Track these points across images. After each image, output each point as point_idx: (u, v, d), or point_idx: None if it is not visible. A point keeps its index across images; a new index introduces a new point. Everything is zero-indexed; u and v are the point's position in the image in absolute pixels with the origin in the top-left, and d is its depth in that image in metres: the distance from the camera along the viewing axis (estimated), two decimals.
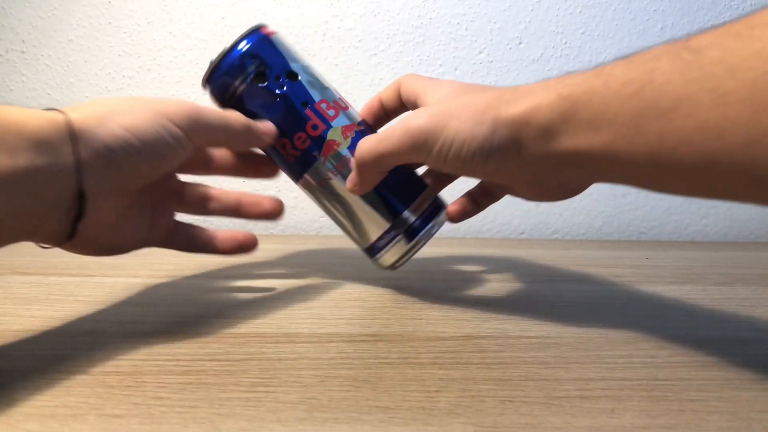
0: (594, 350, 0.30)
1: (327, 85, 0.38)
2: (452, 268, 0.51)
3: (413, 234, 0.37)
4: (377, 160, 0.34)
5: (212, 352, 0.29)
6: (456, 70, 0.73)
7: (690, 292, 0.44)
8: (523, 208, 0.74)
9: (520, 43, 0.74)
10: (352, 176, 0.36)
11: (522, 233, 0.75)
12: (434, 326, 0.34)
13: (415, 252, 0.38)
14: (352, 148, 0.36)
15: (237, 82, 0.36)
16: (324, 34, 0.72)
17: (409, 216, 0.37)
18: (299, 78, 0.36)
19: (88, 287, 0.41)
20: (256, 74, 0.36)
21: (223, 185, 0.39)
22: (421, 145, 0.31)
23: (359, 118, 0.39)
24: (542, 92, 0.28)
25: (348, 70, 0.73)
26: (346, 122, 0.37)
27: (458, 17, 0.73)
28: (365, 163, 0.34)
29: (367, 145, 0.34)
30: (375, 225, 0.37)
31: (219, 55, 0.36)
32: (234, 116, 0.34)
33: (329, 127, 0.36)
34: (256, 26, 0.37)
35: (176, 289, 0.41)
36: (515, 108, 0.29)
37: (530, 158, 0.29)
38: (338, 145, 0.36)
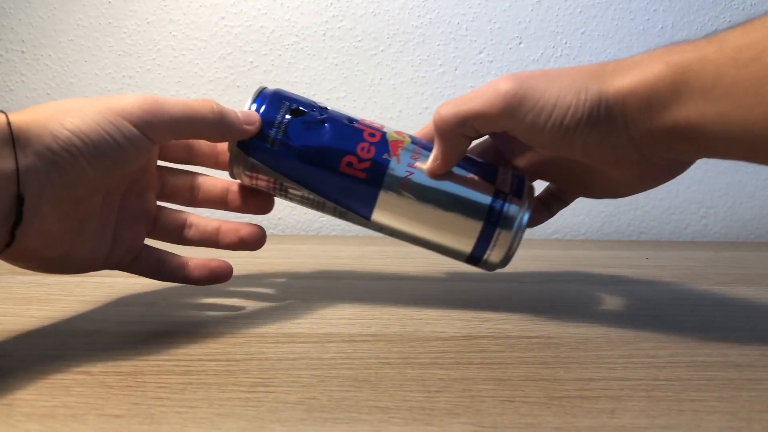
0: (594, 350, 0.30)
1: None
2: (452, 268, 0.51)
3: (510, 222, 0.33)
4: (461, 121, 0.30)
5: (212, 352, 0.29)
6: (456, 70, 0.73)
7: (690, 292, 0.44)
8: None
9: (520, 43, 0.74)
10: (434, 152, 0.33)
11: None
12: (434, 326, 0.34)
13: (520, 239, 0.34)
14: (416, 141, 0.34)
15: (276, 127, 0.33)
16: (324, 34, 0.72)
17: (499, 204, 0.33)
18: (329, 109, 0.35)
19: (88, 287, 0.41)
20: (292, 112, 0.33)
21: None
22: (515, 107, 0.28)
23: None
24: (648, 62, 0.27)
25: (348, 70, 0.73)
26: (393, 131, 0.35)
27: (458, 17, 0.73)
28: (447, 124, 0.31)
29: (449, 106, 0.31)
30: (468, 228, 0.34)
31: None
32: (202, 103, 0.30)
33: (384, 132, 0.34)
34: (259, 89, 0.34)
35: (176, 290, 0.41)
36: (621, 79, 0.27)
37: (637, 132, 0.28)
38: (401, 143, 0.34)
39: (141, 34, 0.71)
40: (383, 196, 0.33)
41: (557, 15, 0.73)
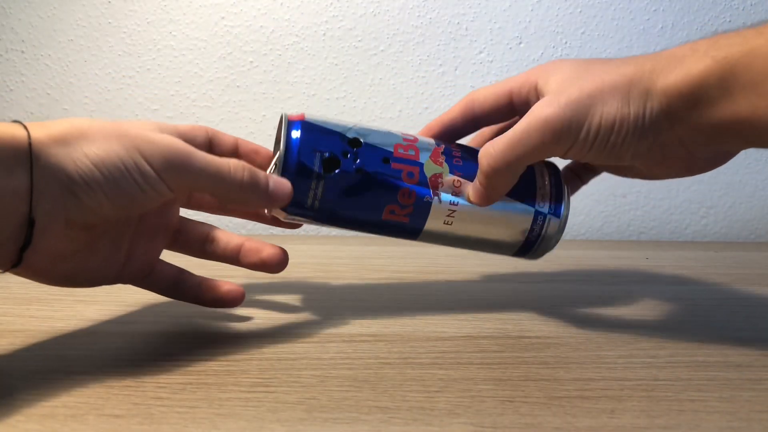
0: (594, 350, 0.30)
1: (385, 130, 0.34)
2: (452, 268, 0.51)
3: (558, 210, 0.35)
4: (515, 162, 0.30)
5: (212, 352, 0.29)
6: (456, 70, 0.73)
7: (690, 292, 0.44)
8: None
9: (520, 43, 0.74)
10: (477, 190, 0.32)
11: None
12: (434, 326, 0.34)
13: (566, 223, 0.36)
14: (454, 167, 0.33)
15: (312, 187, 0.31)
16: (324, 34, 0.72)
17: (544, 199, 0.34)
18: (362, 141, 0.32)
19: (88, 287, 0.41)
20: (325, 164, 0.31)
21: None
22: (564, 135, 0.28)
23: (432, 140, 0.35)
24: (693, 58, 0.26)
25: (348, 70, 0.73)
26: (429, 151, 0.33)
27: (458, 17, 0.73)
28: (499, 169, 0.30)
29: (500, 149, 0.30)
30: (519, 223, 0.34)
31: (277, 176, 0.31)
32: (235, 167, 0.29)
33: (421, 165, 0.33)
34: (285, 121, 0.32)
35: None
36: (664, 79, 0.27)
37: (685, 131, 0.27)
38: (440, 175, 0.33)
39: (141, 33, 0.71)
40: (428, 229, 0.34)
41: (557, 15, 0.73)
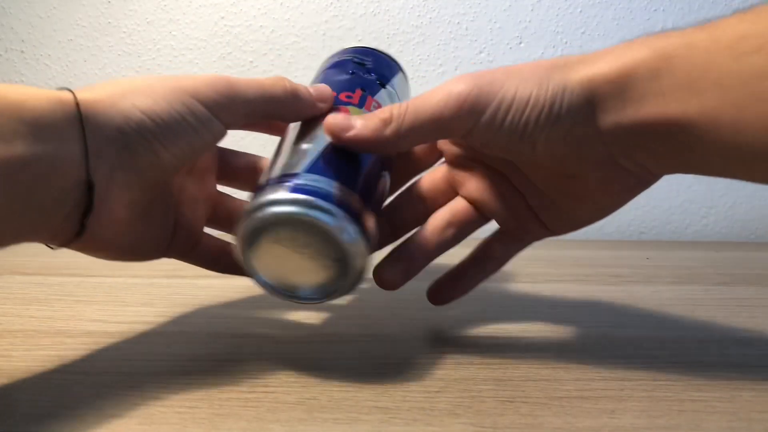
0: (594, 350, 0.30)
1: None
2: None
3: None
4: (405, 133, 0.27)
5: (212, 352, 0.29)
6: (456, 70, 0.73)
7: (691, 292, 0.44)
8: None
9: (520, 43, 0.74)
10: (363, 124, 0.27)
11: None
12: (434, 326, 0.34)
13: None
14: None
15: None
16: (324, 34, 0.72)
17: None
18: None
19: (87, 287, 0.41)
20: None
21: None
22: (468, 109, 0.25)
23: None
24: (628, 48, 0.24)
25: None
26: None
27: (458, 17, 0.73)
28: (387, 138, 0.27)
29: (389, 112, 0.27)
30: None
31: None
32: (275, 82, 0.29)
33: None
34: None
35: (176, 289, 0.41)
36: (591, 67, 0.25)
37: (607, 124, 0.24)
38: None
39: (141, 33, 0.71)
40: None
41: (557, 15, 0.73)
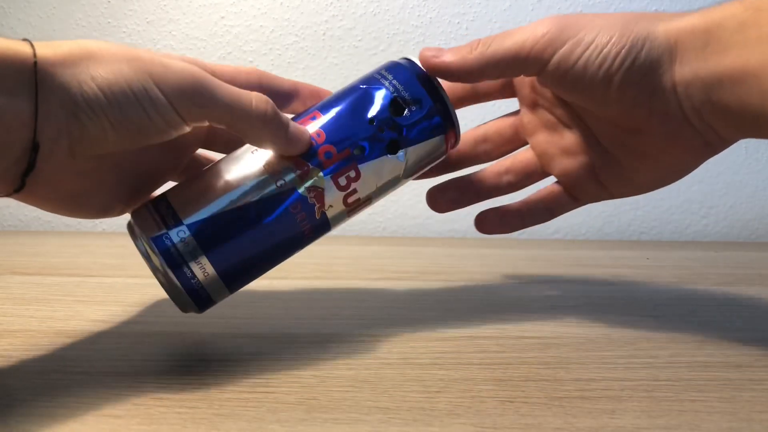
0: (594, 350, 0.30)
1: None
2: (453, 268, 0.51)
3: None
4: (493, 64, 0.27)
5: (212, 352, 0.29)
6: None
7: (691, 292, 0.44)
8: None
9: None
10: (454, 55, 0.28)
11: (522, 233, 0.75)
12: (434, 326, 0.34)
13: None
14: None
15: None
16: (324, 34, 0.72)
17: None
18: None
19: (87, 287, 0.41)
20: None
21: None
22: (546, 41, 0.26)
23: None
24: (719, 5, 0.24)
25: (348, 70, 0.73)
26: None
27: (458, 17, 0.73)
28: (471, 67, 0.28)
29: (477, 47, 0.28)
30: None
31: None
32: (257, 99, 0.26)
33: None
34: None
35: None
36: (679, 20, 0.25)
37: (684, 77, 0.25)
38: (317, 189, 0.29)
39: (140, 33, 0.71)
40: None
41: None
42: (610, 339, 0.32)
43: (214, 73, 0.28)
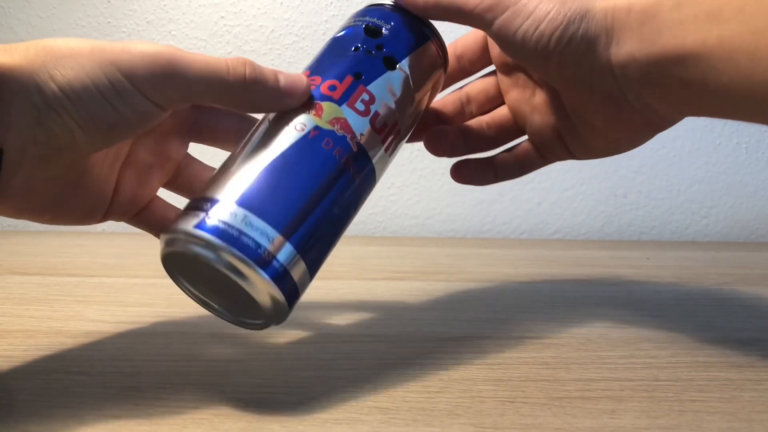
0: (595, 351, 0.30)
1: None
2: (452, 268, 0.51)
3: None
4: (438, 6, 0.28)
5: (212, 352, 0.29)
6: None
7: (691, 292, 0.44)
8: (524, 208, 0.74)
9: None
10: None
11: (522, 233, 0.74)
12: (434, 326, 0.34)
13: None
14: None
15: None
16: (324, 34, 0.72)
17: None
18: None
19: (87, 287, 0.41)
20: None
21: None
22: (486, 7, 0.26)
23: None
24: None
25: None
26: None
27: None
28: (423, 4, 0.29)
29: None
30: None
31: None
32: (234, 65, 0.24)
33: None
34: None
35: (175, 289, 0.40)
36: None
37: (620, 58, 0.25)
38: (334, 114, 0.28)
39: (140, 33, 0.71)
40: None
41: None
42: (610, 339, 0.32)
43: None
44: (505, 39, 0.27)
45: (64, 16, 0.71)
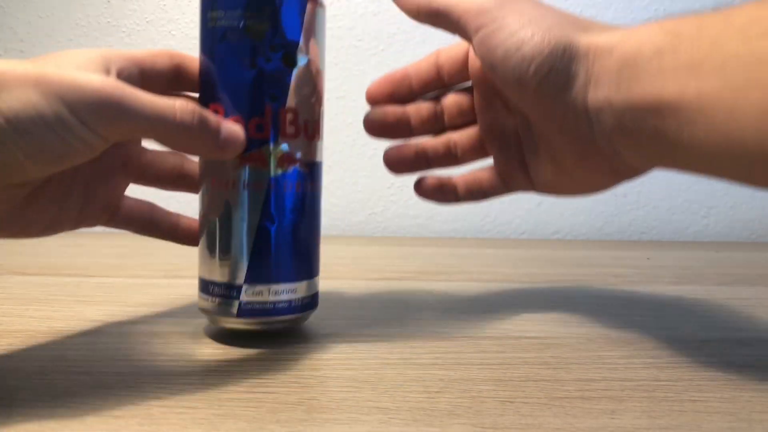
0: (595, 351, 0.30)
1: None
2: (453, 268, 0.51)
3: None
4: (430, 11, 0.28)
5: (212, 352, 0.29)
6: None
7: (691, 292, 0.44)
8: (524, 207, 0.74)
9: None
10: None
11: (523, 233, 0.74)
12: (434, 326, 0.34)
13: None
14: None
15: None
16: None
17: None
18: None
19: (87, 287, 0.41)
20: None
21: None
22: (471, 17, 0.26)
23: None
24: (642, 26, 0.23)
25: (348, 69, 0.73)
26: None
27: None
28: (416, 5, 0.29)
29: None
30: None
31: None
32: (180, 108, 0.25)
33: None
34: None
35: (176, 289, 0.41)
36: (599, 35, 0.24)
37: (596, 102, 0.24)
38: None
39: (140, 33, 0.71)
40: None
41: None
42: (611, 339, 0.32)
43: (133, 60, 0.27)
44: (486, 53, 0.26)
45: (64, 16, 0.71)
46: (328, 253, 0.57)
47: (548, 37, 0.24)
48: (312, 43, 0.29)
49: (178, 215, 0.33)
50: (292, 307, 0.29)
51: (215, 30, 0.28)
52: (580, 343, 0.31)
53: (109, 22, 0.71)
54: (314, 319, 0.35)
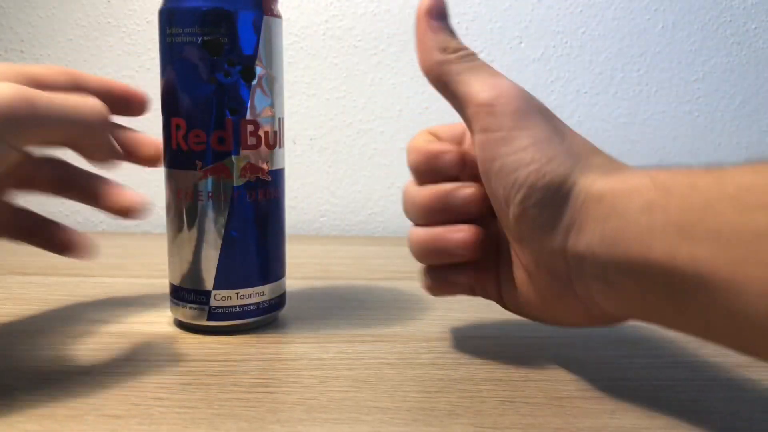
0: (595, 351, 0.30)
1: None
2: None
3: None
4: (444, 84, 0.26)
5: (212, 352, 0.29)
6: None
7: None
8: None
9: (520, 43, 0.74)
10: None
11: None
12: (434, 326, 0.34)
13: None
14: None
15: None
16: (324, 34, 0.72)
17: None
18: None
19: (87, 287, 0.41)
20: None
21: None
22: (476, 116, 0.25)
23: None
24: (634, 172, 0.22)
25: (348, 69, 0.73)
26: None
27: (458, 17, 0.73)
28: (435, 70, 0.27)
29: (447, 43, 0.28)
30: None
31: None
32: (92, 105, 0.24)
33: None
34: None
35: None
36: (595, 180, 0.22)
37: (578, 248, 0.22)
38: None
39: (141, 33, 0.71)
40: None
41: (557, 15, 0.73)
42: (611, 339, 0.32)
43: (27, 76, 0.26)
44: (483, 157, 0.25)
45: (64, 16, 0.71)
46: (327, 253, 0.57)
47: (545, 170, 0.23)
48: (269, 54, 0.30)
49: (57, 228, 0.32)
50: (260, 309, 0.31)
51: (174, 46, 0.28)
52: (580, 343, 0.31)
53: (109, 22, 0.71)
54: (314, 319, 0.35)
